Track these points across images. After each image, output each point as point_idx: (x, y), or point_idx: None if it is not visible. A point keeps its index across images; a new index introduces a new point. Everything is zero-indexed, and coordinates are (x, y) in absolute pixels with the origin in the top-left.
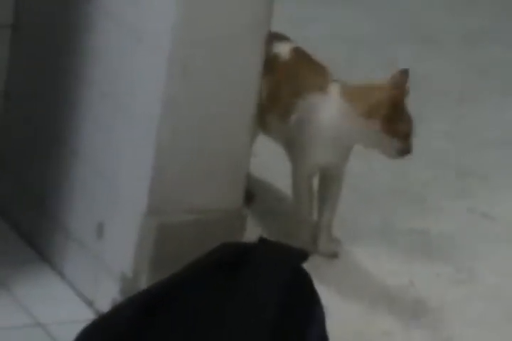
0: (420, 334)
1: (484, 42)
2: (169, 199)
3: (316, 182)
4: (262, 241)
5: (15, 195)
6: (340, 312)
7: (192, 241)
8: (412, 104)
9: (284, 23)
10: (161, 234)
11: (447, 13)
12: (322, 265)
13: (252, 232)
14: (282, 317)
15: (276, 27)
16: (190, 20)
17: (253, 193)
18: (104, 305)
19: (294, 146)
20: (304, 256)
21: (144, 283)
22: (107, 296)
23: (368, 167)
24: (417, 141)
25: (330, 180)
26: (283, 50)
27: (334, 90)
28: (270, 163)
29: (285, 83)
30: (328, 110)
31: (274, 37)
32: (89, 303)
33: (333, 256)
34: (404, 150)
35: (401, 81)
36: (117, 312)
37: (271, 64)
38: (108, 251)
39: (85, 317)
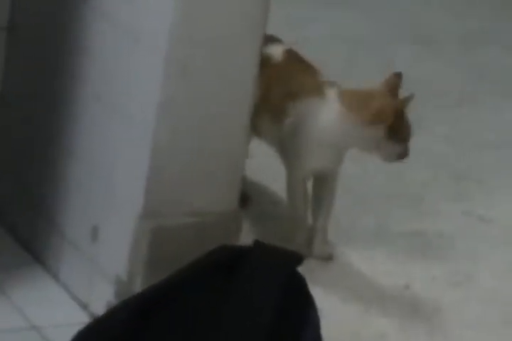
0: (416, 336)
1: (484, 43)
2: (165, 202)
3: (309, 185)
4: (257, 244)
5: (12, 197)
6: (336, 314)
7: (187, 243)
8: (410, 106)
9: (284, 23)
10: (156, 237)
11: (447, 13)
12: (317, 268)
13: (247, 235)
14: (278, 321)
15: (277, 27)
16: (188, 20)
17: (248, 195)
18: (99, 308)
19: (288, 150)
20: (299, 259)
21: (138, 286)
22: (102, 299)
23: (362, 169)
24: (413, 143)
25: (324, 183)
26: (275, 51)
27: (332, 95)
28: (265, 164)
29: (277, 85)
30: (326, 115)
31: (267, 39)
32: (84, 306)
33: (328, 258)
34: (403, 154)
35: (395, 84)
36: (112, 315)
37: (263, 66)
38: (103, 254)
39: (80, 320)
